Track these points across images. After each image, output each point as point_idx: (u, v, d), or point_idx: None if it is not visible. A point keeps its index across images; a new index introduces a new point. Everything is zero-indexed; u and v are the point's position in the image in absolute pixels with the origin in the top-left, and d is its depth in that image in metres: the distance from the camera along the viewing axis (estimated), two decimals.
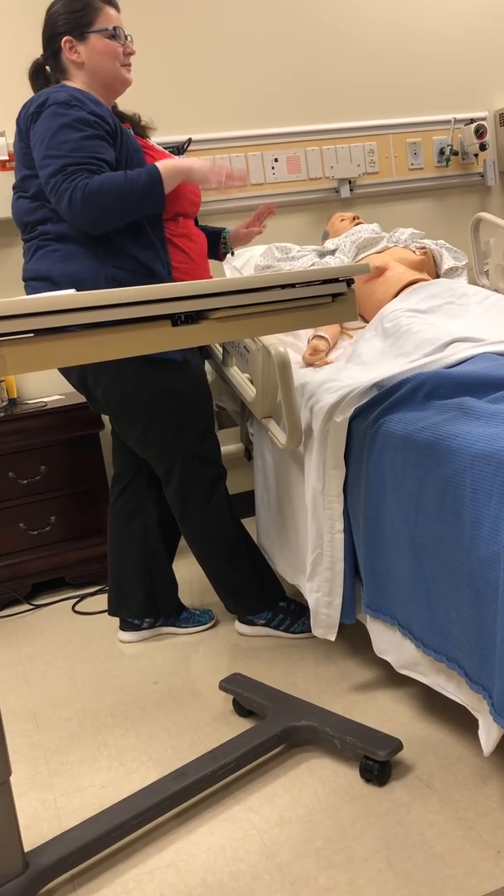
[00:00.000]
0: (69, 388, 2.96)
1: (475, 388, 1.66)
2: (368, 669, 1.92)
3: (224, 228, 2.32)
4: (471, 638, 1.38)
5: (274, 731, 1.59)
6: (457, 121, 3.43)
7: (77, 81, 1.95)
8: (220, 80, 3.09)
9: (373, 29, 3.29)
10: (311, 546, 1.86)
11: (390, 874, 1.27)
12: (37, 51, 2.03)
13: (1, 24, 2.79)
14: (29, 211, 1.91)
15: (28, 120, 1.86)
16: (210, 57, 3.07)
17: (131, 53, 1.97)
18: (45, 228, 1.89)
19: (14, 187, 1.95)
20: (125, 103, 2.16)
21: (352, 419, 1.75)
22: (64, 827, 1.50)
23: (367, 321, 2.50)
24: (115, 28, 1.92)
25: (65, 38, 1.91)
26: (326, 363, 2.23)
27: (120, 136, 1.89)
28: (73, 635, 2.36)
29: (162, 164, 1.83)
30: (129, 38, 1.96)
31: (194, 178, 1.89)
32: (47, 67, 2.00)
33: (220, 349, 2.28)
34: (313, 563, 1.86)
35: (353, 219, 2.83)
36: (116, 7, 1.95)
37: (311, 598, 1.88)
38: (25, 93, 2.07)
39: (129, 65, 1.97)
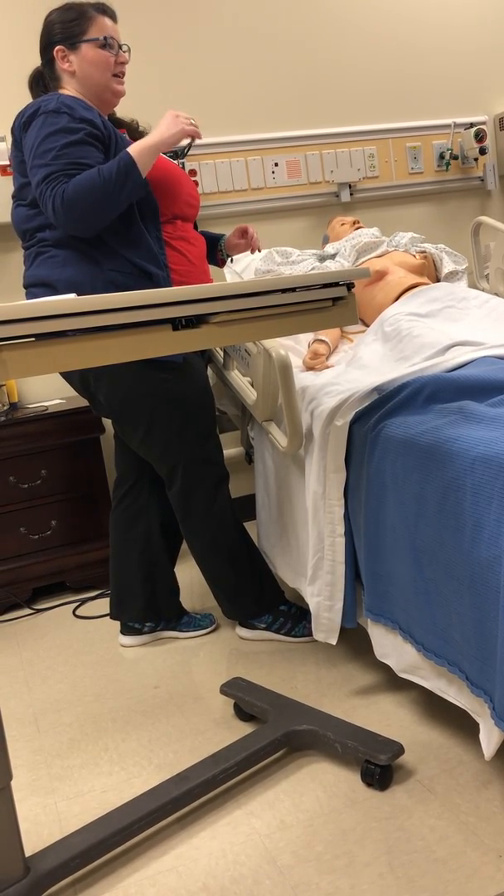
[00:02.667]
0: (70, 392, 2.97)
1: (476, 391, 1.66)
2: (369, 673, 1.92)
3: (223, 235, 2.33)
4: (472, 642, 1.38)
5: (275, 736, 1.59)
6: (457, 125, 3.43)
7: (70, 90, 1.96)
8: (220, 85, 3.10)
9: (373, 33, 3.30)
10: (311, 550, 1.86)
11: (392, 879, 1.27)
12: (37, 56, 2.03)
13: (3, 30, 2.80)
14: (27, 218, 1.92)
15: (20, 129, 1.88)
16: (210, 62, 3.08)
17: (124, 63, 1.97)
18: (44, 235, 1.90)
19: (13, 196, 1.96)
20: (123, 108, 2.17)
21: (352, 423, 1.75)
22: (65, 831, 1.50)
23: (367, 325, 2.50)
24: (106, 38, 1.92)
25: (57, 48, 1.92)
26: (327, 367, 2.24)
27: (113, 142, 1.90)
28: (73, 640, 2.36)
29: (132, 147, 1.83)
30: (123, 47, 1.97)
31: (169, 142, 1.84)
32: (45, 75, 2.02)
33: (221, 352, 2.29)
34: (314, 567, 1.86)
35: (354, 223, 2.84)
36: (112, 17, 1.96)
37: (312, 602, 1.88)
38: (26, 98, 2.08)
39: (122, 74, 1.98)
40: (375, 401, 1.74)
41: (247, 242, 2.27)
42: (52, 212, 1.79)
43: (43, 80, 2.03)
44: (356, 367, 2.10)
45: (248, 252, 2.34)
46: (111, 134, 1.90)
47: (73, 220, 1.79)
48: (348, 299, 1.40)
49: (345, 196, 3.27)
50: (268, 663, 2.04)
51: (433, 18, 3.39)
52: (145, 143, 1.84)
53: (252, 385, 2.09)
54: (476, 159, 3.46)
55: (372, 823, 1.40)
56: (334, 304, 1.39)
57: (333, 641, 1.85)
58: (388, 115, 3.37)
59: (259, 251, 2.31)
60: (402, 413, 1.66)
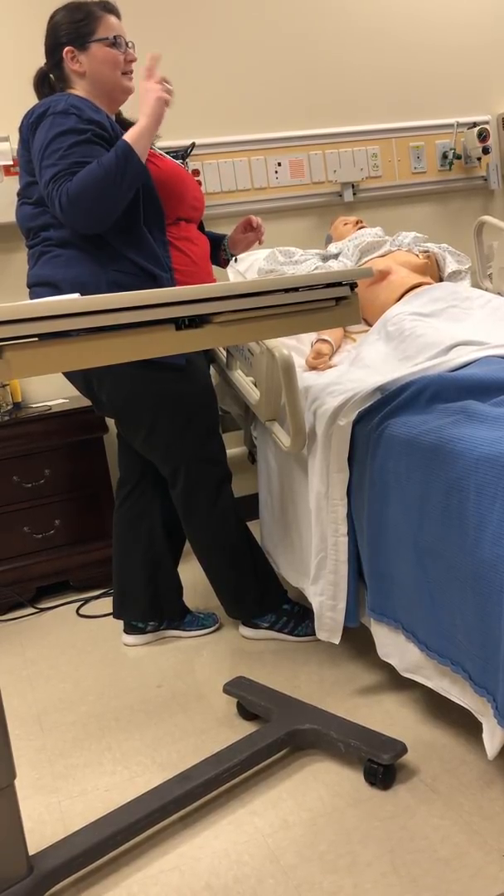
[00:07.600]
0: (73, 391, 2.97)
1: (479, 391, 1.66)
2: (372, 673, 1.92)
3: (226, 235, 2.33)
4: (475, 641, 1.38)
5: (278, 735, 1.59)
6: (460, 124, 3.43)
7: (79, 90, 1.96)
8: (224, 85, 3.10)
9: (375, 33, 3.30)
10: (314, 549, 1.86)
11: (395, 878, 1.27)
12: (41, 56, 2.04)
13: (5, 30, 2.80)
14: (32, 217, 1.92)
15: (29, 129, 1.88)
16: (213, 62, 3.08)
17: (132, 61, 1.98)
18: (48, 234, 1.90)
19: (18, 194, 1.97)
20: (129, 109, 2.17)
21: (355, 423, 1.75)
22: (68, 830, 1.50)
23: (370, 325, 2.50)
24: (115, 37, 1.93)
25: (66, 49, 1.93)
26: (330, 367, 2.24)
27: None
28: (77, 639, 2.37)
29: (127, 134, 1.83)
30: (130, 44, 1.98)
31: (156, 118, 1.83)
32: (51, 76, 2.02)
33: (224, 352, 2.29)
34: (317, 567, 1.86)
35: (357, 223, 2.83)
36: (117, 15, 1.97)
37: (315, 602, 1.88)
38: (30, 98, 2.08)
39: (131, 72, 1.99)
40: (378, 400, 1.74)
41: (254, 234, 2.26)
42: (59, 210, 1.79)
43: (48, 81, 2.03)
44: (359, 366, 2.10)
45: (255, 246, 2.33)
46: (118, 136, 1.90)
47: (80, 215, 1.79)
48: (351, 299, 1.40)
49: (348, 196, 3.27)
50: (271, 662, 2.05)
51: (436, 18, 3.39)
52: (138, 127, 1.83)
53: (255, 385, 2.09)
54: (479, 159, 3.45)
55: (375, 823, 1.40)
56: (337, 303, 1.40)
57: (336, 641, 1.85)
58: (391, 115, 3.37)
59: (261, 243, 2.30)
60: (405, 413, 1.66)
